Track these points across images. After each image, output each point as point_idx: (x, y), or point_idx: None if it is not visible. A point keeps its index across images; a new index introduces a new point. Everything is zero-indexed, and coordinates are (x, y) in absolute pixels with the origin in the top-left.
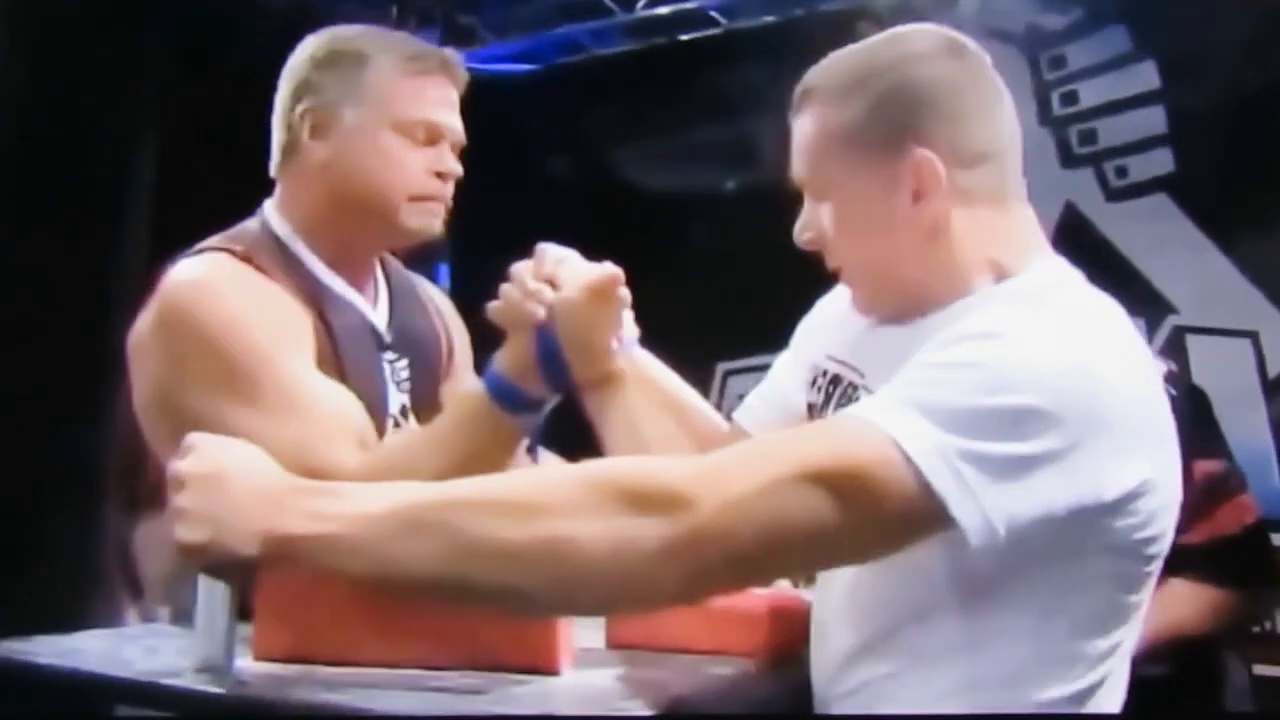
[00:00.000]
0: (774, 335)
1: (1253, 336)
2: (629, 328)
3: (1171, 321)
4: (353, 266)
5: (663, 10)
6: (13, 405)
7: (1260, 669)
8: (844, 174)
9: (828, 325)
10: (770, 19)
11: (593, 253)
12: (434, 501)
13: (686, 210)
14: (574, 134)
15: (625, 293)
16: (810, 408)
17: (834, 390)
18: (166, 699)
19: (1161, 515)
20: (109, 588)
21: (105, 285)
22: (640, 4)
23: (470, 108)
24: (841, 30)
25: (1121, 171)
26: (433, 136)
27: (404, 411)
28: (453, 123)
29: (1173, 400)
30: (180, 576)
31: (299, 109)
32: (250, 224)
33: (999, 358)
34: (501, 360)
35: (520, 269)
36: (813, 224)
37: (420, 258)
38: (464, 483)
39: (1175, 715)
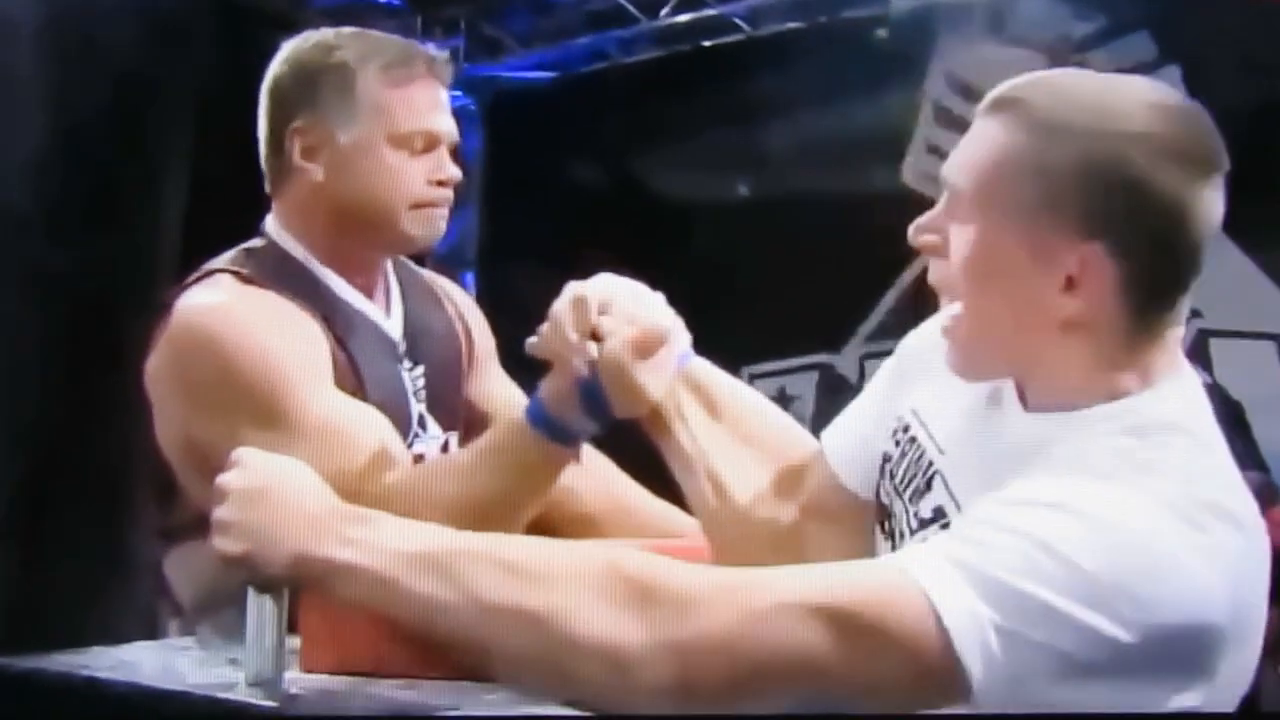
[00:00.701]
0: (797, 339)
1: (1276, 339)
2: (681, 339)
3: (1195, 325)
4: (363, 274)
5: (686, 18)
6: (39, 413)
7: None
8: (1004, 212)
9: (925, 369)
10: (794, 26)
11: (618, 258)
12: (460, 550)
13: (711, 215)
14: (597, 141)
15: (673, 332)
16: (885, 459)
17: (909, 450)
18: (223, 714)
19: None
20: (145, 597)
21: (134, 298)
22: (664, 12)
23: (495, 116)
24: (865, 37)
25: None
26: (430, 144)
27: (421, 421)
28: (447, 126)
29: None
30: (215, 601)
31: (288, 129)
32: (254, 243)
33: (1074, 551)
34: (545, 393)
35: (562, 315)
36: (938, 229)
37: (446, 266)
38: (495, 536)
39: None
